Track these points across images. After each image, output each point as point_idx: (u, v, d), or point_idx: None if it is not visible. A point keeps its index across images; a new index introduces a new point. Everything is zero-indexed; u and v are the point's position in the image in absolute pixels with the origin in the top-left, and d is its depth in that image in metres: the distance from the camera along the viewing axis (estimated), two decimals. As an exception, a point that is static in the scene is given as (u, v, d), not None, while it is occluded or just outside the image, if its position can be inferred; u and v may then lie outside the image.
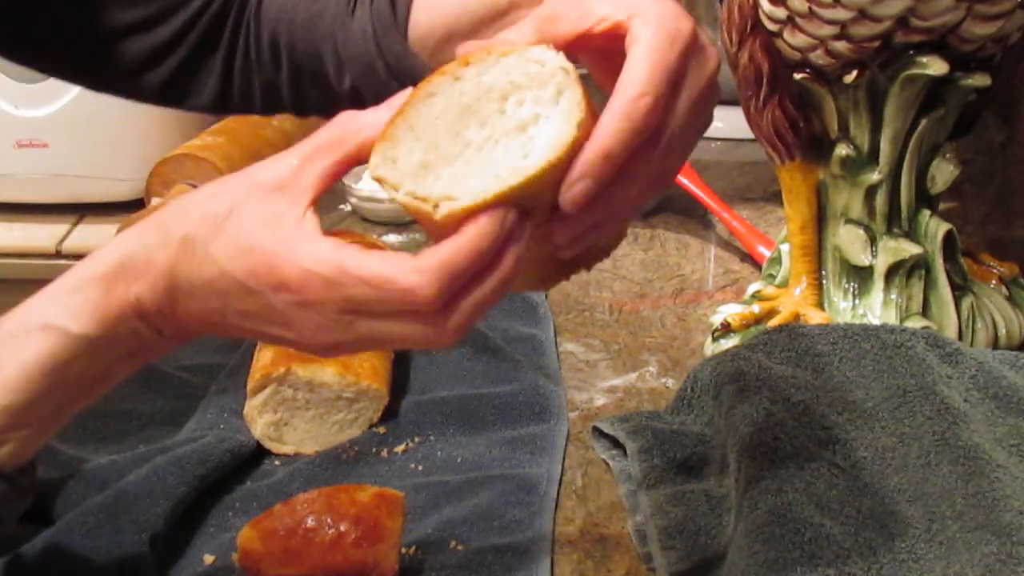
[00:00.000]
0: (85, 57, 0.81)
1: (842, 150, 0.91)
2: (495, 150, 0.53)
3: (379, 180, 0.53)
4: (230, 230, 0.54)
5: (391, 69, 0.76)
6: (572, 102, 0.53)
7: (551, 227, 0.55)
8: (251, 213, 0.54)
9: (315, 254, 0.53)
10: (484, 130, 0.53)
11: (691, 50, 0.55)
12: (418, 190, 0.53)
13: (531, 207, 0.54)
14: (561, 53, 0.54)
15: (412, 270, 0.51)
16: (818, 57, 0.87)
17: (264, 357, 0.86)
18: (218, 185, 0.57)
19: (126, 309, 0.57)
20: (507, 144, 0.53)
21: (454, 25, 0.74)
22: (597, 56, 0.58)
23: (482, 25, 0.73)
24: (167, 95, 0.83)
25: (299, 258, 0.53)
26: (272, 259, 0.53)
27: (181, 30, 0.81)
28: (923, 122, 0.89)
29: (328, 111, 0.78)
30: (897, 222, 0.93)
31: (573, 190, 0.53)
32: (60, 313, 0.57)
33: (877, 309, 0.93)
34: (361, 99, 0.77)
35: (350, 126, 0.56)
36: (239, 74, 0.82)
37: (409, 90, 0.54)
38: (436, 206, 0.52)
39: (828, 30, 0.85)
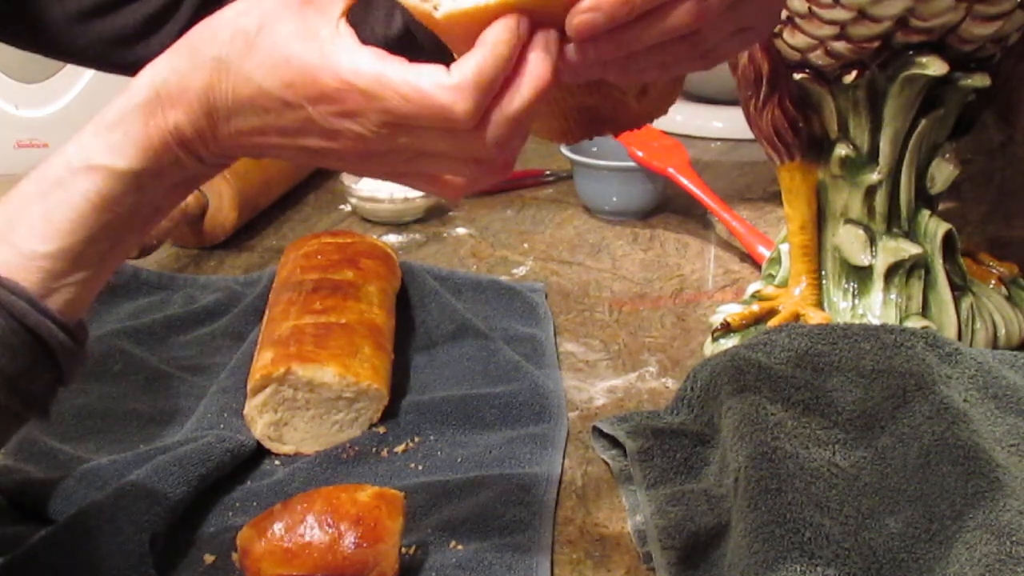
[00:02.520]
0: (74, 33, 0.80)
1: (842, 150, 0.91)
2: None
3: None
4: (264, 46, 0.54)
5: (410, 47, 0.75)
6: None
7: (561, 48, 0.53)
8: (284, 27, 0.54)
9: (354, 64, 0.52)
10: None
11: None
12: None
13: (547, 26, 0.53)
14: None
15: (448, 86, 0.51)
16: (818, 57, 0.87)
17: (264, 357, 0.86)
18: (246, 2, 0.56)
19: (167, 138, 0.56)
20: None
21: None
22: None
23: None
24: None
25: (338, 69, 0.52)
26: (310, 71, 0.53)
27: None
28: (923, 122, 0.89)
29: None
30: (897, 222, 0.93)
31: (580, 17, 0.52)
32: (103, 150, 0.56)
33: (877, 309, 0.93)
34: (412, 41, 0.76)
35: None
36: None
37: None
38: (436, 7, 0.52)
39: (828, 30, 0.85)
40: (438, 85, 0.51)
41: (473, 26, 0.52)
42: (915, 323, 0.91)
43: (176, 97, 0.56)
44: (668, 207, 1.28)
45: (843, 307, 0.95)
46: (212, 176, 0.60)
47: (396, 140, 0.53)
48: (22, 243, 0.56)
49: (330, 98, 0.53)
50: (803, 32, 0.87)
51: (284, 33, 0.54)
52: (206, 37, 0.56)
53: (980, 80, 0.88)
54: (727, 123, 1.50)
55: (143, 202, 0.57)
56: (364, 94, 0.52)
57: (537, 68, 0.52)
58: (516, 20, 0.52)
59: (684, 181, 1.24)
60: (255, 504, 0.79)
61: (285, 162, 1.27)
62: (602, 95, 0.60)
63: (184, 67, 0.56)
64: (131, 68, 0.83)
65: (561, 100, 0.59)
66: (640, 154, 1.24)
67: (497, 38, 0.51)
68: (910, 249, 0.91)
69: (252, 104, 0.55)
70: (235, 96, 0.55)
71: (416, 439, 0.86)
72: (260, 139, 0.56)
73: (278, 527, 0.69)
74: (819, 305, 0.95)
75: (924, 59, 0.85)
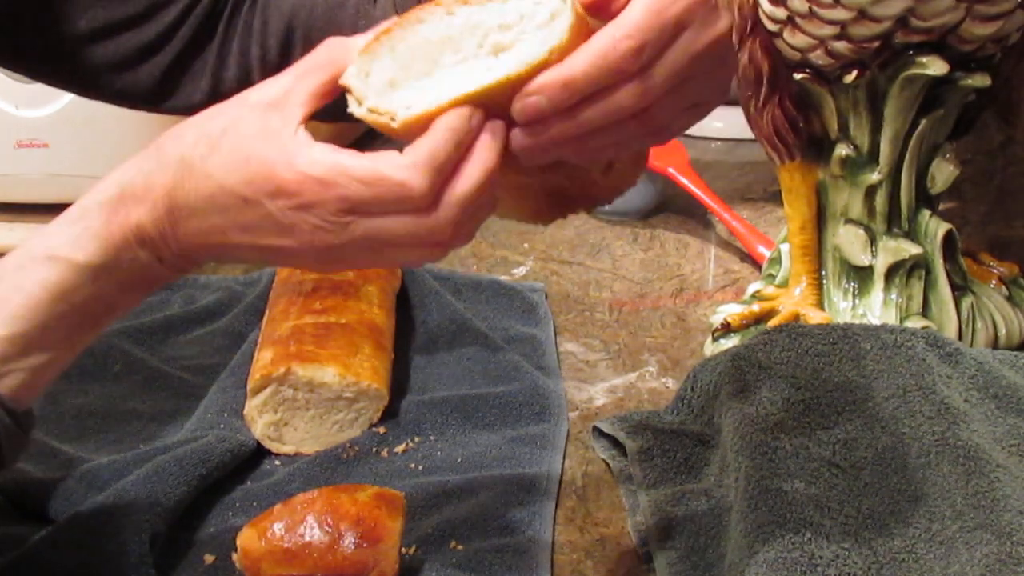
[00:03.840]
0: (74, 57, 0.81)
1: (842, 150, 0.91)
2: (462, 68, 0.54)
3: (346, 89, 0.55)
4: (226, 146, 0.56)
5: None
6: (557, 29, 0.54)
7: (512, 132, 0.55)
8: (246, 128, 0.56)
9: (310, 157, 0.54)
10: (457, 56, 0.54)
11: (696, 7, 0.55)
12: (379, 106, 0.54)
13: (498, 117, 0.55)
14: None
15: (402, 165, 0.53)
16: (818, 57, 0.87)
17: (264, 357, 0.86)
18: (213, 109, 0.58)
19: (127, 235, 0.57)
20: (475, 64, 0.54)
21: None
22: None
23: None
24: (159, 94, 0.82)
25: (295, 162, 0.54)
26: (269, 166, 0.55)
27: (173, 24, 0.80)
28: (923, 122, 0.89)
29: (340, 105, 0.79)
30: (897, 222, 0.93)
31: (524, 101, 0.54)
32: (63, 243, 0.58)
33: (877, 309, 0.93)
34: None
35: (338, 48, 0.57)
36: (234, 69, 0.82)
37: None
38: (393, 118, 0.54)
39: (828, 30, 0.85)
40: (394, 165, 0.53)
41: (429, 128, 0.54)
42: (915, 323, 0.91)
43: (140, 195, 0.57)
44: (668, 207, 1.28)
45: (843, 307, 0.94)
46: (171, 279, 0.61)
47: (354, 230, 0.55)
48: None
49: (288, 192, 0.54)
50: (803, 32, 0.86)
51: (245, 134, 0.56)
52: (172, 139, 0.58)
53: (980, 80, 0.88)
54: (727, 123, 1.50)
55: (98, 296, 0.59)
56: (321, 183, 0.54)
57: (484, 152, 0.54)
58: (468, 110, 0.54)
59: (684, 181, 1.24)
60: (255, 504, 0.79)
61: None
62: (568, 175, 0.62)
63: (149, 167, 0.58)
64: (116, 96, 0.84)
65: (528, 183, 0.61)
66: (640, 154, 1.24)
67: (448, 124, 0.53)
68: (910, 249, 0.91)
69: (213, 202, 0.56)
70: (196, 194, 0.56)
71: (416, 439, 0.86)
72: (220, 238, 0.57)
73: (278, 527, 0.69)
74: (819, 305, 0.95)
75: (924, 59, 0.85)
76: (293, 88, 0.57)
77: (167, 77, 0.81)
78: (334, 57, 0.57)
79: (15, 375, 0.58)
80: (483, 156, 0.54)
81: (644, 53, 0.54)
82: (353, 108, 0.55)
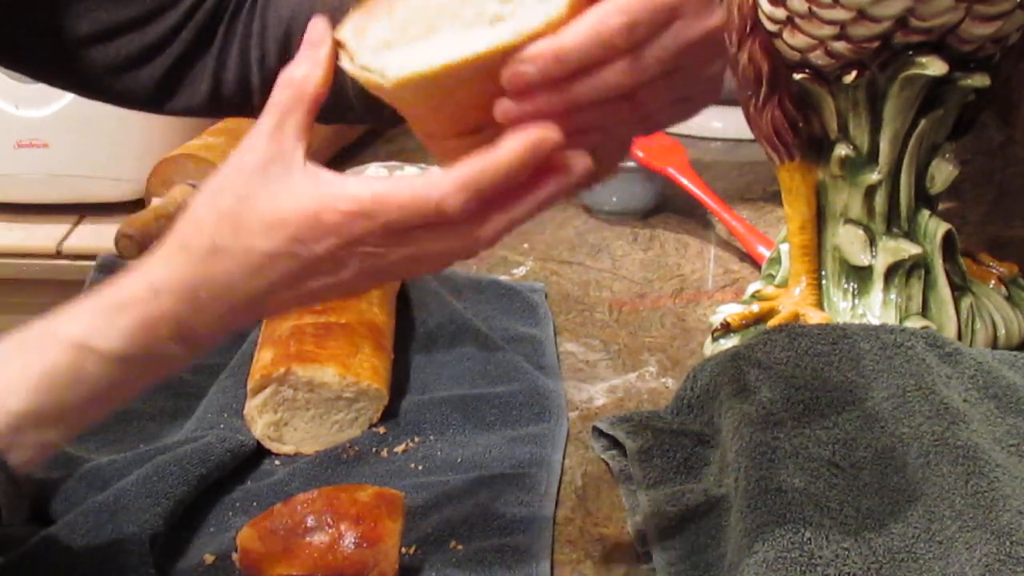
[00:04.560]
0: (76, 58, 0.81)
1: (842, 150, 0.91)
2: (458, 34, 0.54)
3: (340, 44, 0.55)
4: (253, 218, 0.56)
5: None
6: (556, 1, 0.53)
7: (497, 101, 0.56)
8: (262, 194, 0.56)
9: (347, 194, 0.55)
10: (455, 23, 0.54)
11: None
12: (371, 64, 0.54)
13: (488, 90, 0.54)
14: None
15: (440, 186, 0.54)
16: (818, 57, 0.88)
17: (264, 357, 0.86)
18: (214, 183, 0.59)
19: (160, 330, 0.58)
20: (472, 32, 0.54)
21: None
22: None
23: None
24: (159, 96, 0.82)
25: (335, 204, 0.55)
26: (311, 216, 0.55)
27: (174, 27, 0.80)
28: (923, 122, 0.89)
29: (339, 106, 0.78)
30: (896, 222, 0.93)
31: (513, 69, 0.54)
32: (91, 332, 0.58)
33: (877, 309, 0.93)
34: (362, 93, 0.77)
35: (297, 80, 0.58)
36: (234, 71, 0.82)
37: None
38: (383, 75, 0.54)
39: (828, 30, 0.85)
40: (432, 185, 0.54)
41: (421, 90, 0.54)
42: (915, 323, 0.91)
43: (177, 290, 0.58)
44: (668, 207, 1.28)
45: (843, 307, 0.95)
46: (191, 359, 0.62)
47: (401, 251, 0.56)
48: None
49: (336, 232, 0.55)
50: (803, 32, 0.87)
51: (265, 198, 0.56)
52: (192, 231, 0.58)
53: (980, 80, 0.88)
54: (727, 123, 1.50)
55: (121, 383, 0.59)
56: (365, 216, 0.55)
57: (546, 192, 0.55)
58: (544, 133, 0.54)
59: (684, 181, 1.24)
60: (255, 504, 0.79)
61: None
62: None
63: (179, 261, 0.58)
64: (116, 97, 0.84)
65: None
66: (640, 154, 1.24)
67: (509, 152, 0.54)
68: (910, 249, 0.91)
69: (261, 270, 0.57)
70: (241, 270, 0.57)
71: (416, 439, 0.86)
72: (268, 299, 0.58)
73: (278, 527, 0.69)
74: (819, 305, 0.95)
75: (924, 59, 0.85)
76: (280, 136, 0.57)
77: (167, 79, 0.82)
78: (297, 89, 0.57)
79: (25, 448, 0.58)
80: (544, 195, 0.55)
81: (636, 31, 0.54)
82: (345, 64, 0.55)
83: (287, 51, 0.81)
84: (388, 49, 0.54)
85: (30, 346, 0.59)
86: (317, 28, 0.58)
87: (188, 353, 0.60)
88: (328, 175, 0.56)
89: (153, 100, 0.83)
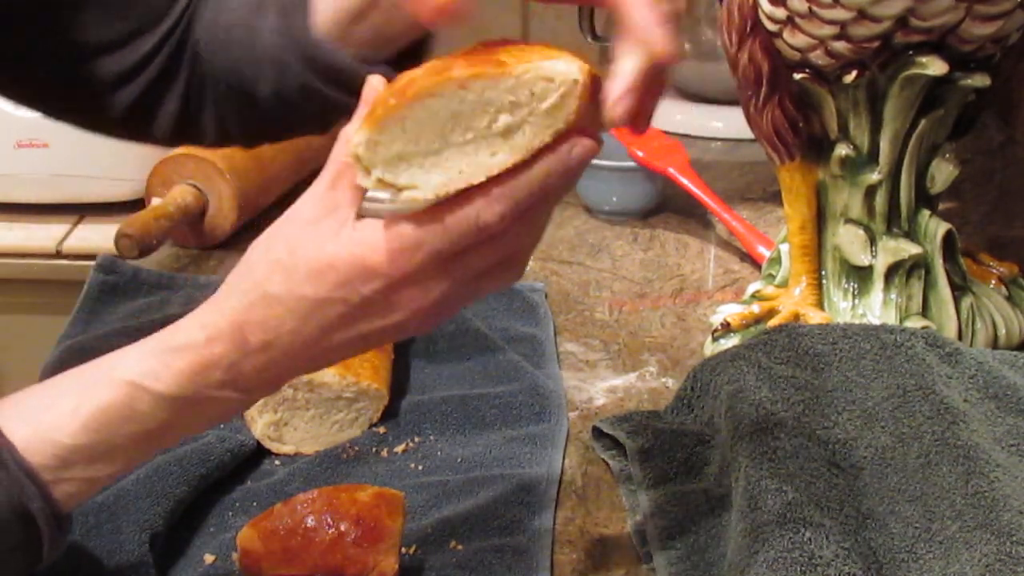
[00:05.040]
0: (54, 78, 0.80)
1: (842, 150, 0.91)
2: (468, 147, 0.55)
3: (355, 158, 0.55)
4: (301, 265, 0.57)
5: (305, 60, 0.75)
6: (561, 112, 0.54)
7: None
8: (311, 243, 0.57)
9: (391, 236, 0.56)
10: (467, 135, 0.55)
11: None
12: (386, 177, 0.55)
13: None
14: (583, 65, 0.55)
15: (476, 202, 0.55)
16: (818, 57, 0.88)
17: (264, 357, 0.86)
18: (269, 232, 0.60)
19: (212, 374, 0.59)
20: (481, 143, 0.55)
21: (351, 6, 0.73)
22: None
23: (378, 2, 0.72)
24: (130, 121, 0.81)
25: (379, 244, 0.56)
26: (357, 259, 0.56)
27: (150, 52, 0.79)
28: (923, 122, 0.89)
29: (252, 129, 0.80)
30: (897, 222, 0.93)
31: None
32: (145, 372, 0.59)
33: (877, 309, 0.93)
34: (282, 103, 0.77)
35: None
36: (194, 100, 0.81)
37: (408, 75, 0.56)
38: (398, 192, 0.55)
39: (828, 30, 0.85)
40: (471, 204, 0.55)
41: (432, 209, 0.56)
42: (915, 323, 0.91)
43: (228, 336, 0.58)
44: (668, 207, 1.28)
45: (843, 307, 0.95)
46: (248, 405, 0.63)
47: (453, 275, 0.57)
48: (47, 430, 0.58)
49: (382, 273, 0.56)
50: (803, 32, 0.87)
51: (314, 247, 0.57)
52: (244, 275, 0.59)
53: (980, 80, 0.88)
54: (727, 123, 1.50)
55: (172, 425, 0.60)
56: (411, 248, 0.55)
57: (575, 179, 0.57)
58: (568, 149, 0.56)
59: (684, 181, 1.24)
60: (255, 504, 0.79)
61: (284, 162, 1.27)
62: None
63: (231, 306, 0.59)
64: (92, 123, 0.83)
65: None
66: (640, 154, 1.24)
67: (545, 164, 0.56)
68: (910, 249, 0.91)
69: (310, 318, 0.57)
70: (293, 317, 0.58)
71: (416, 439, 0.86)
72: (323, 345, 0.58)
73: (278, 527, 0.69)
74: (819, 305, 0.95)
75: (924, 59, 0.85)
76: (335, 193, 0.58)
77: (140, 104, 0.80)
78: None
79: (73, 483, 0.59)
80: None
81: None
82: (359, 175, 0.55)
83: (209, 82, 0.80)
84: (401, 161, 0.55)
85: (86, 382, 0.60)
86: (373, 85, 0.59)
87: (242, 397, 0.60)
88: (370, 222, 0.57)
89: (125, 127, 0.83)
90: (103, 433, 0.59)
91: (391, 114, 0.54)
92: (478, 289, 0.59)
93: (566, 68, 0.55)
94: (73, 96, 0.81)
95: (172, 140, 0.84)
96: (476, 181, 0.54)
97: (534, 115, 0.55)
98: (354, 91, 0.73)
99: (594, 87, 0.56)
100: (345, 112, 0.75)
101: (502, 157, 0.55)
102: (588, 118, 0.56)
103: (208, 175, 1.19)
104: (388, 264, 0.56)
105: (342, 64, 0.73)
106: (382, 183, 0.55)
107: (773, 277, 1.01)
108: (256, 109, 0.78)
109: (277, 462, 0.85)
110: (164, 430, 0.60)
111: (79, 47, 0.78)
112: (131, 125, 0.82)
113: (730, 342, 0.95)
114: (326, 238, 0.57)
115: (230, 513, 0.78)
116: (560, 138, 0.55)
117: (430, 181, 0.55)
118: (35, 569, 0.59)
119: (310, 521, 0.68)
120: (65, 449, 0.58)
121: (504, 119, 0.55)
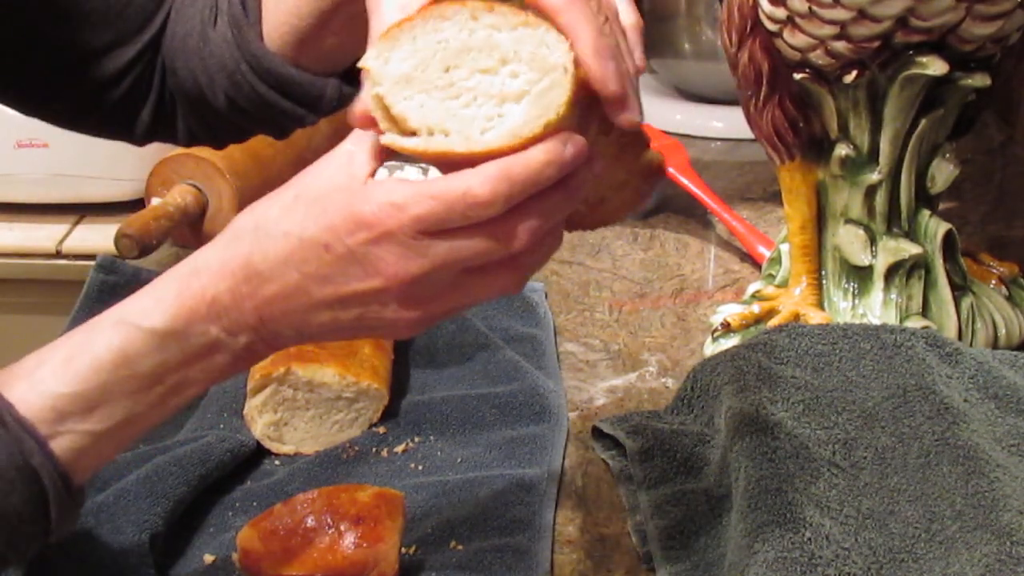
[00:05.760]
0: (55, 81, 0.80)
1: (842, 150, 0.91)
2: (466, 107, 0.55)
3: (365, 69, 0.55)
4: (300, 205, 0.57)
5: (255, 70, 0.75)
6: (554, 103, 0.54)
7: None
8: (317, 185, 0.57)
9: (386, 188, 0.55)
10: (470, 80, 0.55)
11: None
12: (387, 97, 0.55)
13: None
14: (570, 52, 0.55)
15: (469, 174, 0.54)
16: (818, 57, 0.87)
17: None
18: (282, 186, 0.60)
19: (199, 306, 0.58)
20: (478, 108, 0.55)
21: (298, 21, 0.74)
22: None
23: (325, 16, 0.73)
24: (114, 119, 0.82)
25: (372, 196, 0.55)
26: (347, 206, 0.56)
27: (133, 59, 0.79)
28: (923, 122, 0.89)
29: (215, 132, 0.80)
30: (897, 222, 0.93)
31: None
32: (133, 309, 0.59)
33: (877, 309, 0.93)
34: (237, 110, 0.77)
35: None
36: (169, 104, 0.82)
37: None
38: (391, 120, 0.55)
39: (828, 30, 0.85)
40: (461, 175, 0.54)
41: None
42: (915, 323, 0.91)
43: (215, 268, 0.58)
44: (668, 207, 1.28)
45: (843, 307, 0.95)
46: (245, 366, 0.61)
47: (435, 254, 0.55)
48: (41, 382, 0.58)
49: (367, 223, 0.55)
50: (803, 32, 0.87)
51: (319, 189, 0.57)
52: (244, 215, 0.59)
53: (980, 80, 0.88)
54: (727, 123, 1.50)
55: (163, 366, 0.59)
56: (396, 207, 0.55)
57: (578, 184, 0.56)
58: (564, 139, 0.54)
59: (684, 181, 1.24)
60: (255, 504, 0.79)
61: (285, 162, 1.27)
62: None
63: (224, 241, 0.59)
64: (78, 123, 0.84)
65: None
66: (640, 154, 1.24)
67: (542, 150, 0.54)
68: (910, 249, 0.91)
69: (292, 258, 0.57)
70: (276, 255, 0.57)
71: (416, 439, 0.86)
72: (303, 298, 0.58)
73: (278, 527, 0.69)
74: (819, 305, 0.95)
75: (924, 59, 0.85)
76: (355, 149, 0.58)
77: (123, 103, 0.81)
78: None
79: (72, 436, 0.58)
80: (575, 185, 0.56)
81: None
82: (366, 85, 0.56)
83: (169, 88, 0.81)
84: (407, 84, 0.55)
85: (79, 334, 0.59)
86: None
87: (230, 342, 0.59)
88: (377, 181, 0.56)
89: (108, 126, 0.83)
90: (97, 379, 0.58)
91: (404, 28, 0.55)
92: (468, 286, 0.57)
93: (558, 40, 0.54)
94: (58, 97, 0.82)
95: (148, 139, 0.84)
96: (455, 152, 0.54)
97: (532, 92, 0.54)
98: (306, 102, 0.74)
99: (585, 90, 0.56)
100: (300, 121, 0.77)
101: (489, 136, 0.54)
102: (581, 123, 0.56)
103: (208, 175, 1.19)
104: (373, 216, 0.55)
105: (292, 77, 0.74)
106: (384, 104, 0.55)
107: (773, 277, 1.01)
108: (215, 115, 0.79)
109: (277, 462, 0.85)
110: (158, 375, 0.59)
111: (83, 49, 0.78)
112: (111, 127, 0.83)
113: (730, 342, 0.95)
114: (334, 186, 0.57)
115: (230, 513, 0.78)
116: (550, 132, 0.55)
117: (424, 118, 0.55)
118: (47, 539, 0.58)
119: (310, 521, 0.68)
120: (60, 399, 0.57)
121: (506, 76, 0.54)
